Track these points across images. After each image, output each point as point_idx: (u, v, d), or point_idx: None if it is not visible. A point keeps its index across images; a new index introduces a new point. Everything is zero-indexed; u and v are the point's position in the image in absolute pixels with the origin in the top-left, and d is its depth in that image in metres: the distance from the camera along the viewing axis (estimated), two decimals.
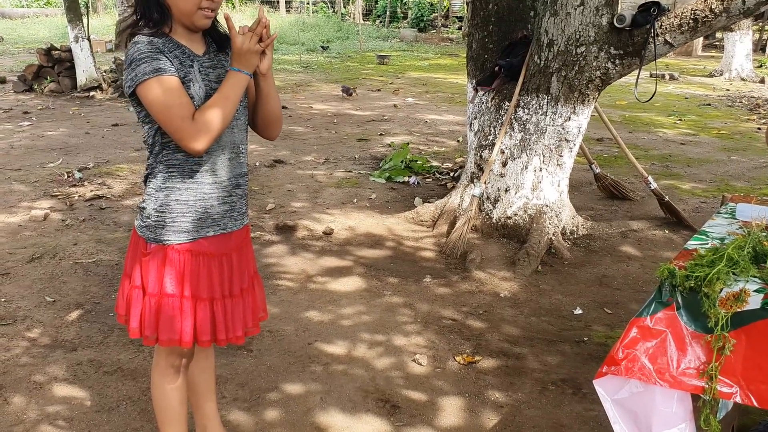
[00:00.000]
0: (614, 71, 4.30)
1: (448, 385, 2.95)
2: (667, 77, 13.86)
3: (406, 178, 6.05)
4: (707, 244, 1.92)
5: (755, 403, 1.66)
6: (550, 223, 4.56)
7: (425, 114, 9.68)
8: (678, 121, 9.53)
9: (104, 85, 10.39)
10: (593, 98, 4.46)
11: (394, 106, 10.32)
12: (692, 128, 9.10)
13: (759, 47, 18.64)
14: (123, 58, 10.85)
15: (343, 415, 2.71)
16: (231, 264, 2.05)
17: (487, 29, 4.93)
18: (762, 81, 14.05)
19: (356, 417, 2.70)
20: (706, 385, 1.68)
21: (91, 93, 10.26)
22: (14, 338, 3.26)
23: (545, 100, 4.42)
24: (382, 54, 16.83)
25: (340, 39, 21.89)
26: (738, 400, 1.67)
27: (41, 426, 2.61)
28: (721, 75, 14.64)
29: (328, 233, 4.70)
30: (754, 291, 1.63)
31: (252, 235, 4.64)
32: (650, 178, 5.17)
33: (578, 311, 3.71)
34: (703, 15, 4.02)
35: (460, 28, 23.94)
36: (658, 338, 1.72)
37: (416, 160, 6.44)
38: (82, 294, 3.74)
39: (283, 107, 9.85)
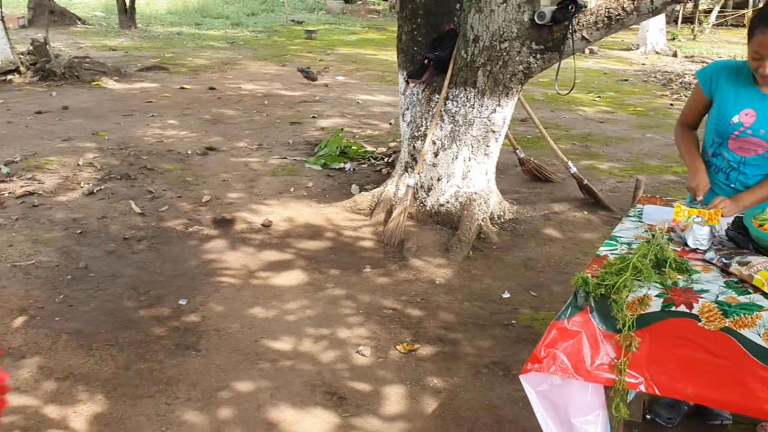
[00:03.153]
0: (536, 65, 4.55)
1: (390, 374, 3.17)
2: (587, 52, 14.36)
3: (341, 165, 6.20)
4: (617, 249, 2.18)
5: (657, 392, 1.93)
6: (479, 210, 4.82)
7: (357, 94, 9.80)
8: (597, 99, 9.98)
9: (22, 68, 10.02)
10: (517, 91, 4.71)
11: (326, 85, 10.39)
12: (610, 105, 9.56)
13: (672, 19, 19.46)
14: (40, 37, 10.43)
15: (293, 410, 2.89)
16: None
17: (416, 22, 5.09)
18: (675, 54, 14.75)
19: (305, 411, 2.89)
20: (616, 378, 1.93)
21: (9, 77, 9.88)
22: None
23: (472, 93, 4.63)
24: (309, 29, 16.75)
25: (266, 11, 21.60)
26: (643, 389, 1.94)
27: None
28: (637, 49, 15.28)
29: (267, 225, 4.82)
30: (655, 296, 1.89)
31: (190, 229, 4.75)
32: (570, 163, 5.50)
33: (506, 295, 3.99)
34: (617, 13, 4.30)
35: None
36: (574, 338, 1.96)
37: (351, 146, 6.59)
38: (24, 298, 3.76)
39: (211, 88, 9.79)
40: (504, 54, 4.48)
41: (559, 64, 4.62)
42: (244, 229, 4.78)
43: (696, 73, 2.80)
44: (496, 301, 3.91)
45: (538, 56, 4.50)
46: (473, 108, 4.66)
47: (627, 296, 1.90)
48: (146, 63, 11.78)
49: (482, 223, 4.79)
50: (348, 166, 6.18)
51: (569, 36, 4.37)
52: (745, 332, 1.79)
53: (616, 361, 1.93)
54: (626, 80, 11.70)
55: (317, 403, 2.94)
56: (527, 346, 3.41)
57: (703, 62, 13.86)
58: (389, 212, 4.88)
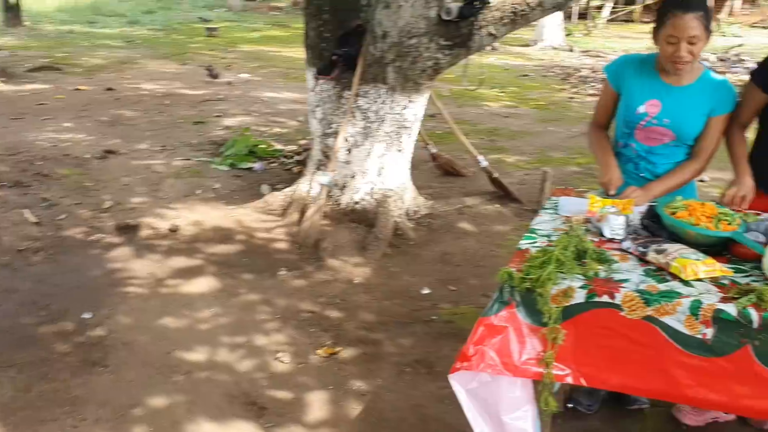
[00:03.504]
0: (444, 61, 4.55)
1: (311, 379, 3.07)
2: (489, 48, 14.65)
3: (250, 165, 6.02)
4: (537, 242, 2.18)
5: (584, 383, 1.95)
6: (394, 206, 4.79)
7: (262, 92, 9.58)
8: (501, 94, 10.19)
9: None
10: (427, 87, 4.71)
11: (229, 83, 10.11)
12: (513, 100, 9.78)
13: (567, 15, 20.18)
14: None
15: (211, 424, 2.76)
16: None
17: (322, 18, 4.98)
18: (571, 50, 15.30)
19: (225, 424, 2.76)
20: (544, 371, 1.93)
21: None
22: None
23: (383, 90, 4.59)
24: (210, 26, 16.29)
25: (163, 9, 20.86)
26: (570, 381, 1.95)
27: None
28: (535, 44, 15.74)
29: (173, 230, 4.60)
30: (579, 288, 1.89)
31: (91, 238, 4.47)
32: (480, 158, 5.56)
33: (426, 291, 3.97)
34: (521, 8, 4.37)
35: None
36: (501, 334, 1.94)
37: (259, 144, 6.42)
38: None
39: (109, 89, 9.32)
40: (413, 50, 4.46)
41: (467, 61, 4.65)
42: (149, 236, 4.54)
43: (603, 69, 2.85)
44: (415, 298, 3.89)
45: (446, 52, 4.51)
46: (384, 104, 4.62)
47: (552, 289, 1.90)
48: (36, 63, 11.07)
49: (398, 220, 4.76)
50: (257, 165, 6.02)
51: (476, 32, 4.40)
52: (667, 319, 1.83)
53: (543, 354, 1.93)
54: (527, 75, 12.01)
55: (237, 415, 2.81)
56: (449, 341, 3.41)
57: (598, 56, 14.46)
58: (303, 212, 4.77)
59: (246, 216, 4.91)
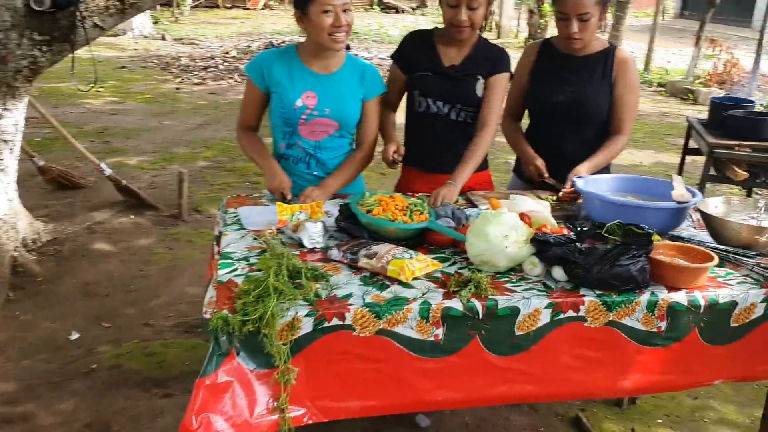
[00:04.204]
0: (43, 59, 3.83)
1: None
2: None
3: None
4: (236, 270, 1.87)
5: (323, 418, 1.74)
6: (8, 239, 3.92)
7: None
8: (100, 89, 9.27)
9: None
10: (26, 90, 3.91)
11: None
12: (117, 95, 9.00)
13: None
14: None
15: None
16: None
17: None
18: (163, 38, 14.76)
19: None
20: (280, 419, 1.67)
21: None
22: None
23: None
24: None
25: None
26: (309, 420, 1.72)
27: None
28: (125, 34, 14.77)
29: None
30: (305, 316, 1.66)
31: None
32: (103, 165, 4.91)
33: (75, 336, 3.33)
34: None
35: None
36: (227, 392, 1.61)
37: None
38: None
39: None
40: (1, 48, 3.64)
41: (73, 58, 3.99)
42: None
43: (244, 69, 2.64)
44: (64, 347, 3.22)
45: (45, 48, 3.79)
46: None
47: (278, 325, 1.63)
48: None
49: (15, 254, 3.91)
50: None
51: (79, 24, 3.78)
52: (399, 329, 1.71)
53: (277, 400, 1.66)
54: (124, 67, 11.20)
55: None
56: (122, 390, 2.90)
57: (192, 44, 14.21)
58: None
59: None
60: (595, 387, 1.89)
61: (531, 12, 15.37)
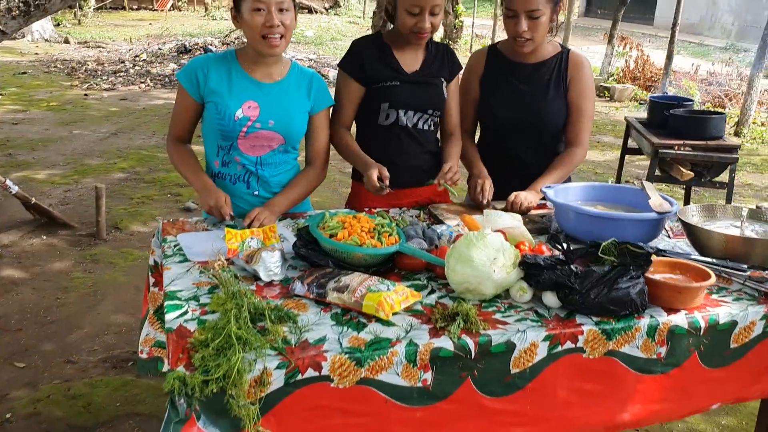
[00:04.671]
0: None
1: None
2: None
3: None
4: (187, 313, 1.59)
5: None
6: None
7: None
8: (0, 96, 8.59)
9: None
10: None
11: None
12: (19, 103, 8.35)
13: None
14: None
15: None
16: None
17: None
18: (67, 41, 13.94)
19: None
20: None
21: None
22: None
23: None
24: None
25: None
26: None
27: None
28: (23, 37, 13.87)
29: None
30: (275, 369, 1.41)
31: None
32: (9, 182, 4.43)
33: None
34: None
35: None
36: None
37: None
38: None
39: None
40: None
41: None
42: None
43: (176, 75, 2.33)
44: None
45: None
46: None
47: (246, 383, 1.38)
48: None
49: None
50: None
51: None
52: (383, 376, 1.49)
53: None
54: (25, 73, 10.45)
55: None
56: None
57: (98, 47, 13.47)
58: None
59: None
60: (592, 423, 1.72)
61: (446, 12, 15.40)
